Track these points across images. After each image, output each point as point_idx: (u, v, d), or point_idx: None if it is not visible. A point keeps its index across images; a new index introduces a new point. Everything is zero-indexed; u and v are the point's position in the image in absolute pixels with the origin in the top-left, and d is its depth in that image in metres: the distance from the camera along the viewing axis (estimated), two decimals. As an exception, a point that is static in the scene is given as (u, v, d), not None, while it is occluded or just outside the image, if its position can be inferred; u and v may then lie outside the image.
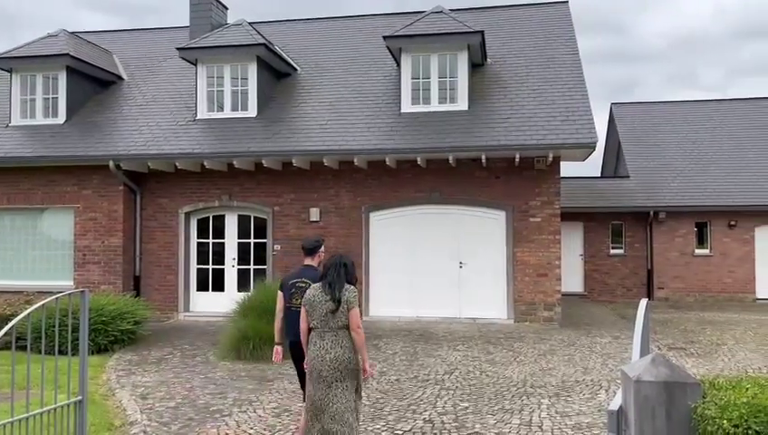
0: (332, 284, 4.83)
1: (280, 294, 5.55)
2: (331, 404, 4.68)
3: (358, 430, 4.87)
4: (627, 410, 3.48)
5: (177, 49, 14.10)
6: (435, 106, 12.97)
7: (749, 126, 19.65)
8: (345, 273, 4.90)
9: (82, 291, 4.77)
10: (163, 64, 16.12)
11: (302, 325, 4.97)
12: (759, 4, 61.80)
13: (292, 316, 5.31)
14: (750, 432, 2.97)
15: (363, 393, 5.80)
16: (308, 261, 5.61)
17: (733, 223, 17.34)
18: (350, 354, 4.76)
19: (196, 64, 13.92)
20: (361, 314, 12.45)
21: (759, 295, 17.13)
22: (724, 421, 3.00)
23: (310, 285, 5.08)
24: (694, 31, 64.08)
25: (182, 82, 15.16)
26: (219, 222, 13.84)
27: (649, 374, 3.32)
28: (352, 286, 4.87)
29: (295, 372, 5.70)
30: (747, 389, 3.26)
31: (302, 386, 5.26)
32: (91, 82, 14.98)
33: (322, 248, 5.75)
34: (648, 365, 3.38)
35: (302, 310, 4.94)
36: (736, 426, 2.98)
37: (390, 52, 13.57)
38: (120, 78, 15.71)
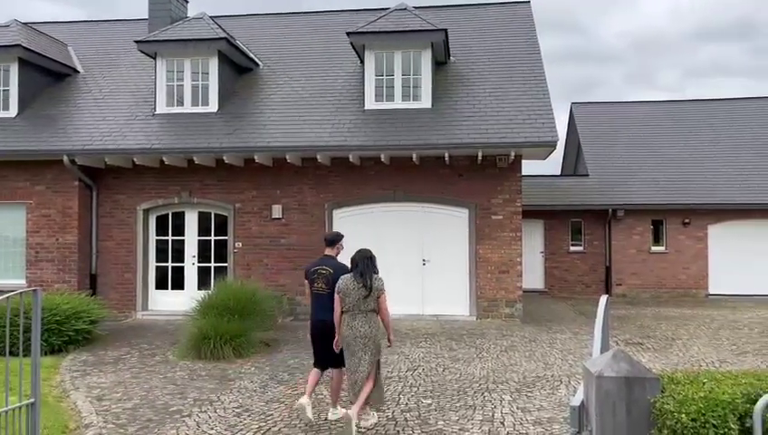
0: (364, 274, 5.88)
1: (306, 282, 6.40)
2: (358, 369, 5.87)
3: (382, 386, 6.24)
4: (588, 406, 3.52)
5: (136, 42, 13.75)
6: (398, 103, 12.96)
7: (704, 127, 20.22)
8: (372, 264, 5.97)
9: (34, 290, 4.60)
10: (121, 57, 15.71)
11: (336, 309, 5.95)
12: (714, 6, 63.72)
13: (315, 300, 6.25)
14: (707, 426, 3.04)
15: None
16: (328, 251, 6.47)
17: (687, 221, 17.83)
18: (376, 332, 5.91)
19: (155, 58, 13.60)
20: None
21: (711, 291, 17.65)
22: (683, 415, 3.05)
23: (329, 271, 6.16)
24: (652, 32, 65.72)
25: (140, 75, 14.80)
26: (179, 219, 13.57)
27: (611, 370, 3.37)
28: (380, 276, 5.98)
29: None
30: (704, 383, 3.33)
31: (315, 359, 6.39)
32: (45, 74, 14.51)
33: (342, 241, 6.54)
34: (609, 361, 3.42)
35: (336, 296, 5.93)
36: (694, 420, 3.04)
37: (354, 48, 13.51)
38: (76, 71, 15.25)
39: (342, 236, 6.60)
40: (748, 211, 17.53)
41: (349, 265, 6.11)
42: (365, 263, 5.95)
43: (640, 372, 3.35)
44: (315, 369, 6.36)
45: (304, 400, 5.94)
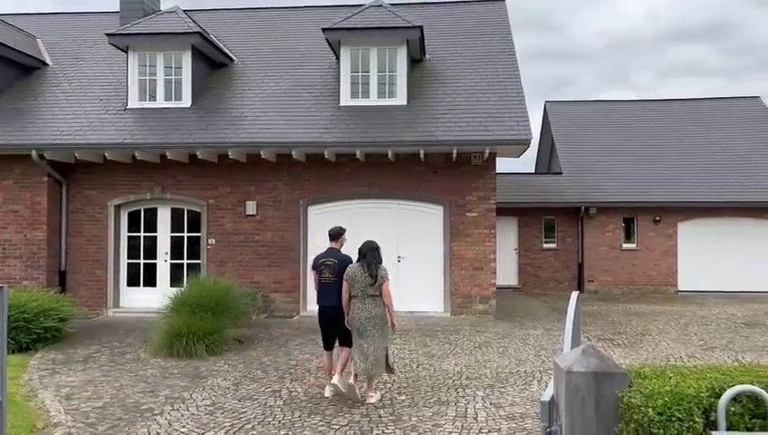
0: (370, 264, 6.63)
1: (313, 272, 7.10)
2: (368, 349, 6.60)
3: (389, 361, 6.89)
4: (558, 401, 3.56)
5: (107, 35, 13.52)
6: (374, 100, 12.95)
7: (675, 126, 20.58)
8: (377, 255, 6.69)
9: (1, 287, 4.50)
10: (92, 51, 15.44)
11: (344, 295, 6.72)
12: (687, 8, 64.81)
13: (322, 288, 6.96)
14: (673, 419, 3.09)
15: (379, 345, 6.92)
16: (332, 244, 7.17)
17: (657, 218, 18.14)
18: (382, 313, 6.67)
19: (127, 52, 13.39)
20: (299, 310, 12.38)
21: (680, 288, 17.99)
22: (649, 410, 3.10)
23: (335, 262, 6.90)
24: (627, 32, 66.64)
25: (112, 69, 14.56)
26: (151, 215, 13.39)
27: (580, 365, 3.41)
28: (384, 266, 6.73)
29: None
30: (671, 378, 3.39)
31: (324, 343, 7.13)
32: (13, 66, 14.17)
33: (344, 235, 7.24)
34: (578, 356, 3.46)
35: (345, 283, 6.68)
36: (660, 414, 3.09)
37: (330, 44, 13.46)
38: (45, 64, 14.94)
39: (344, 230, 7.30)
40: (716, 209, 17.90)
41: (351, 256, 6.94)
42: (371, 254, 6.69)
43: (609, 368, 3.40)
44: (326, 352, 7.15)
45: (335, 379, 6.72)
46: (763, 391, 3.16)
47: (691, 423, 3.09)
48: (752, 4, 69.58)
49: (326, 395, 6.82)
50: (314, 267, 7.12)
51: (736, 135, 19.93)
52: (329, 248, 7.17)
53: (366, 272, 6.62)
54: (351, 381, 6.65)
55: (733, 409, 3.18)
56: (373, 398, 6.72)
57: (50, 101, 13.70)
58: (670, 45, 69.08)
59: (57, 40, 15.86)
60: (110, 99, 13.61)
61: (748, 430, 3.19)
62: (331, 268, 6.91)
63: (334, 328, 6.96)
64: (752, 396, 3.21)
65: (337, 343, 7.11)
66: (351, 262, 6.85)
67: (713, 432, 3.12)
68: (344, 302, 6.77)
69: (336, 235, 7.20)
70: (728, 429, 3.16)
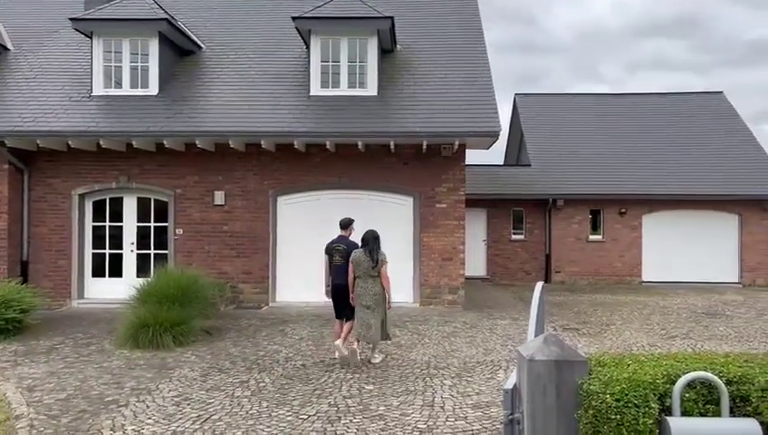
0: (372, 250, 7.88)
1: (326, 256, 8.36)
2: (370, 320, 7.86)
3: (387, 334, 8.22)
4: (521, 388, 3.63)
5: (71, 20, 13.18)
6: (344, 90, 12.91)
7: (642, 120, 20.95)
8: (378, 243, 7.95)
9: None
10: (55, 36, 15.04)
11: (350, 276, 7.96)
12: (656, 1, 65.84)
13: (334, 269, 8.22)
14: (629, 405, 3.19)
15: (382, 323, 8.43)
16: (342, 233, 8.45)
17: (623, 211, 18.48)
18: (381, 291, 7.94)
19: (91, 37, 13.09)
20: (268, 301, 12.37)
21: (645, 278, 18.40)
22: (607, 396, 3.19)
23: (344, 247, 8.16)
24: (598, 25, 67.46)
25: (76, 55, 14.22)
26: (117, 205, 13.16)
27: (542, 353, 3.48)
28: (383, 252, 7.98)
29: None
30: (629, 365, 3.49)
31: (336, 313, 8.31)
32: (-28, 50, 13.76)
33: (353, 225, 8.54)
34: (540, 345, 3.53)
35: (350, 266, 7.93)
36: (618, 400, 3.18)
37: (300, 33, 13.35)
38: (6, 48, 14.52)
39: (353, 221, 8.61)
40: (679, 202, 18.32)
41: (357, 243, 8.15)
42: (373, 242, 7.94)
43: (569, 356, 3.48)
44: (338, 320, 8.34)
45: (338, 342, 7.91)
46: (716, 378, 3.27)
47: (647, 409, 3.18)
48: (721, 1, 71.06)
49: (335, 356, 8.03)
50: (327, 252, 8.35)
51: (700, 129, 20.39)
52: (339, 236, 8.44)
53: (368, 257, 7.86)
54: (355, 346, 7.92)
55: (687, 395, 3.28)
56: (377, 359, 8.03)
57: (11, 87, 13.33)
58: (639, 39, 70.23)
59: (19, 24, 15.39)
60: (74, 85, 13.30)
61: (702, 415, 3.30)
62: (341, 253, 8.18)
63: (343, 301, 8.15)
64: (706, 383, 3.32)
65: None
66: (358, 248, 8.07)
67: (668, 418, 3.21)
68: (350, 281, 7.98)
69: (346, 225, 8.54)
70: (683, 414, 3.26)
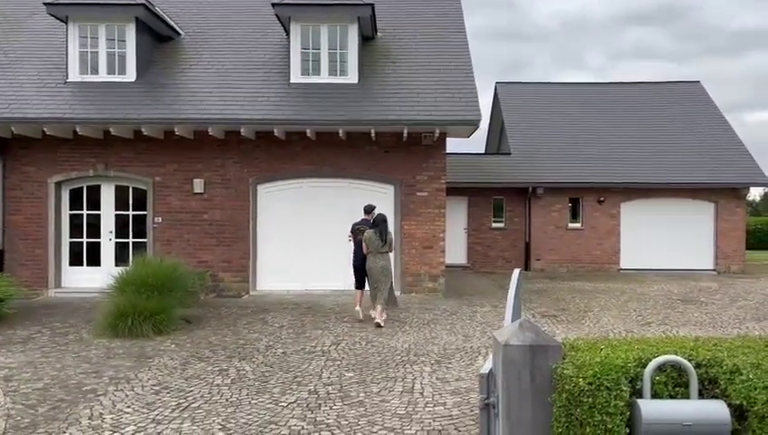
0: (382, 231, 9.68)
1: (350, 235, 10.53)
2: (382, 287, 9.71)
3: (394, 299, 10.69)
4: (496, 373, 3.68)
5: (45, 4, 12.93)
6: (325, 78, 12.85)
7: (622, 109, 21.15)
8: (386, 225, 9.80)
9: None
10: (29, 21, 14.76)
11: (365, 250, 9.76)
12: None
13: (357, 246, 10.06)
14: (602, 388, 3.25)
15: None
16: (365, 217, 10.27)
17: (602, 199, 18.69)
18: (389, 265, 9.88)
19: (66, 22, 12.86)
20: (249, 290, 12.33)
21: (622, 266, 18.66)
22: (580, 380, 3.25)
23: (366, 228, 9.88)
24: (582, 12, 67.72)
25: (51, 40, 13.96)
26: (94, 193, 13.01)
27: (517, 339, 3.53)
28: (390, 231, 9.92)
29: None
30: (602, 349, 3.55)
31: (357, 284, 10.28)
32: (-57, 35, 13.45)
33: (374, 210, 10.20)
34: (515, 330, 3.58)
35: (364, 243, 9.72)
36: (590, 383, 3.25)
37: (280, 20, 13.24)
38: (-22, 33, 14.22)
39: (375, 207, 10.34)
40: (656, 190, 18.56)
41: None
42: (382, 224, 9.75)
43: (544, 341, 3.54)
44: (358, 290, 10.20)
45: (357, 308, 10.05)
46: (685, 361, 3.35)
47: (618, 392, 3.25)
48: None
49: (360, 318, 9.97)
50: (352, 231, 10.37)
51: (677, 118, 20.63)
52: (362, 219, 10.31)
53: (379, 237, 9.64)
54: (373, 313, 9.86)
55: (658, 378, 3.36)
56: (381, 320, 9.56)
57: (-16, 73, 13.07)
58: (622, 27, 70.72)
59: (-9, 8, 15.09)
60: (49, 72, 13.08)
61: (671, 397, 3.38)
62: (362, 232, 9.95)
63: (364, 273, 9.94)
64: (675, 365, 3.39)
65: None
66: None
67: (638, 400, 3.29)
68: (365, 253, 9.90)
69: (369, 210, 10.31)
70: (653, 396, 3.34)
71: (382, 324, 9.49)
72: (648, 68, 63.48)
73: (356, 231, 10.16)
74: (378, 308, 9.61)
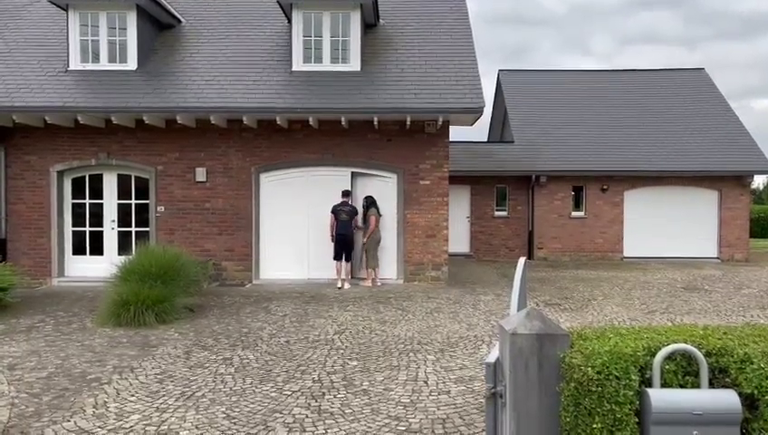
0: (377, 209, 12.26)
1: (331, 215, 12.13)
2: (373, 253, 12.20)
3: (377, 260, 12.50)
4: (503, 362, 3.65)
5: (45, -9, 12.85)
6: (327, 66, 12.76)
7: (625, 96, 21.02)
8: (376, 205, 12.30)
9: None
10: (29, 9, 14.66)
11: (373, 225, 12.09)
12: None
13: (339, 224, 11.95)
14: (611, 377, 3.21)
15: None
16: (344, 199, 12.13)
17: (605, 187, 18.61)
18: (379, 237, 12.33)
19: (67, 10, 12.77)
20: (252, 278, 12.32)
21: (626, 254, 18.61)
22: (589, 369, 3.21)
23: (348, 208, 12.02)
24: (588, -2, 67.08)
25: (51, 28, 13.89)
26: (97, 182, 12.98)
27: (524, 327, 3.49)
28: (373, 208, 12.31)
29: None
30: (610, 338, 3.51)
31: (336, 255, 12.17)
32: (-57, 23, 13.37)
33: (352, 195, 12.28)
34: (523, 319, 3.54)
35: (373, 219, 12.14)
36: (599, 372, 3.21)
37: (281, 7, 13.11)
38: (-22, 21, 14.14)
39: (351, 192, 12.42)
40: (660, 178, 18.48)
41: (357, 207, 12.33)
42: (374, 204, 12.27)
43: (552, 329, 3.50)
44: (336, 261, 12.14)
45: (344, 275, 12.08)
46: (695, 349, 3.30)
47: (627, 381, 3.21)
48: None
49: (338, 287, 11.93)
50: (333, 211, 12.03)
51: (681, 106, 20.51)
52: (342, 201, 12.08)
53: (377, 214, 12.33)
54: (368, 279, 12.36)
55: (667, 367, 3.31)
56: (369, 284, 12.13)
57: (-16, 62, 13.00)
58: (632, 11, 70.24)
59: (-9, -4, 14.99)
60: (49, 60, 13.01)
61: (681, 386, 3.34)
62: (346, 212, 11.99)
63: (345, 246, 12.03)
64: (685, 354, 3.35)
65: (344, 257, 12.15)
66: (357, 211, 12.26)
67: (647, 389, 3.25)
68: (371, 229, 12.29)
69: (346, 194, 12.18)
70: (662, 386, 3.30)
71: (379, 283, 12.14)
72: (657, 52, 63.18)
73: (337, 211, 11.99)
74: (377, 270, 12.27)
